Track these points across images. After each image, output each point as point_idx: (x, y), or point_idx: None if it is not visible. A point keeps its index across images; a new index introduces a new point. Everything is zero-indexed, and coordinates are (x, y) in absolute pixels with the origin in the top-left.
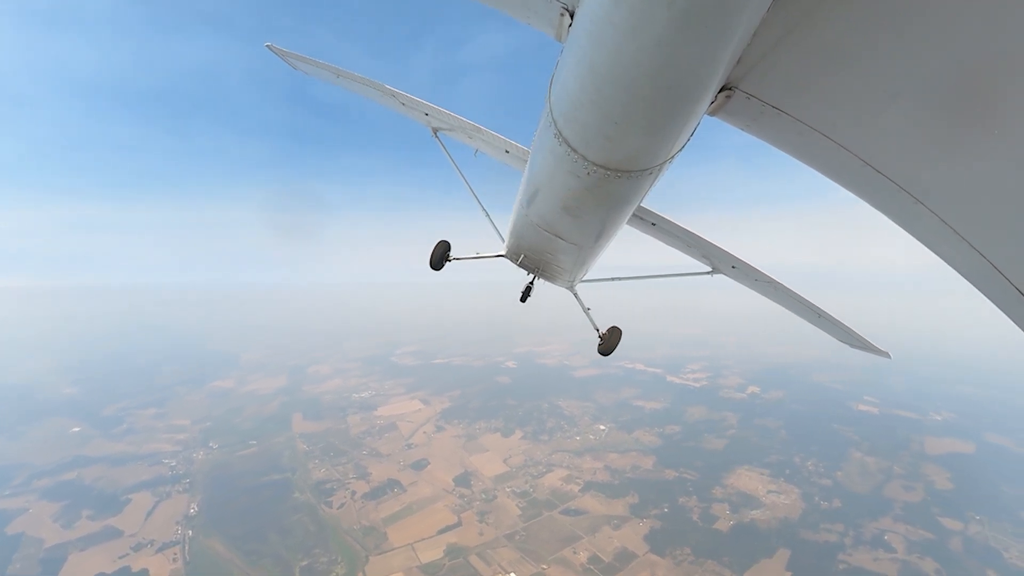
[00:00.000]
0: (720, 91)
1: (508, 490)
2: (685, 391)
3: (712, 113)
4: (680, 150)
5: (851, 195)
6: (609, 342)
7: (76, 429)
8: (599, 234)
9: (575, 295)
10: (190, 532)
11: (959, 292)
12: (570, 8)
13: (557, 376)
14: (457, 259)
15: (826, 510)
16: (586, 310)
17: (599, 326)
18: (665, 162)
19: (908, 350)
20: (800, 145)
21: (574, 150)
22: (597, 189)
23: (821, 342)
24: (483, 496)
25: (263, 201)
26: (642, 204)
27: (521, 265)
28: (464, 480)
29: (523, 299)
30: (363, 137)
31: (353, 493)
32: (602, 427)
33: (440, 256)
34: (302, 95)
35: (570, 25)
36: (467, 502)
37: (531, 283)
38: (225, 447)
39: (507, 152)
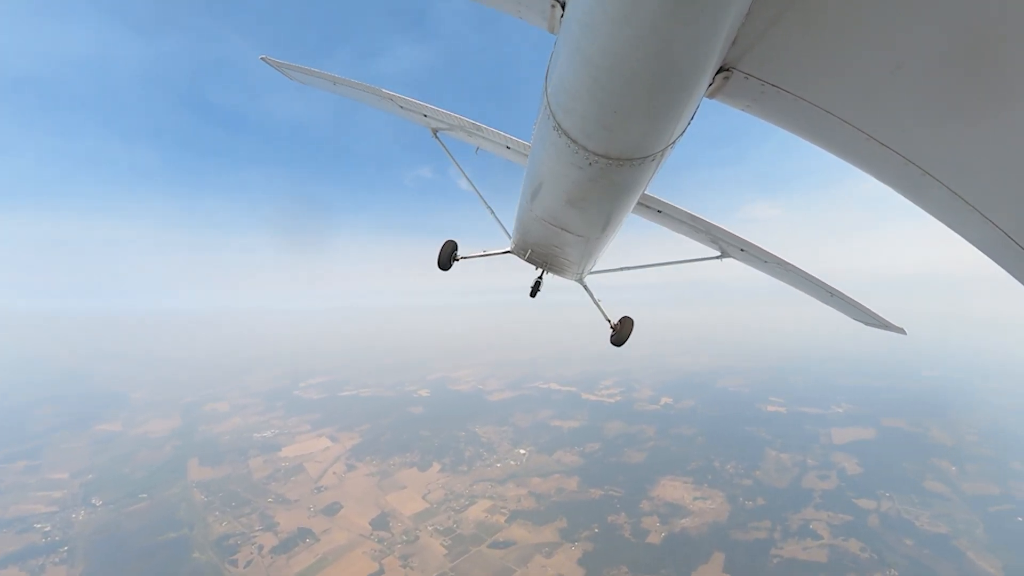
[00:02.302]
0: (718, 72)
1: (430, 528)
2: (601, 407)
3: (711, 95)
4: (681, 134)
5: (747, 214)
6: (621, 333)
7: None
8: (605, 224)
9: (584, 287)
10: None
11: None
12: None
13: (472, 402)
14: (464, 258)
15: (752, 509)
16: (596, 302)
17: (610, 317)
18: (667, 147)
19: (803, 351)
20: (803, 123)
21: (574, 141)
22: (600, 179)
23: (720, 350)
24: (404, 538)
25: (158, 217)
26: (646, 192)
27: (529, 260)
28: (382, 522)
29: (532, 294)
30: (265, 149)
31: (260, 548)
32: (522, 451)
33: (448, 256)
34: (202, 100)
35: (562, 16)
36: (387, 546)
37: (540, 278)
38: (111, 503)
39: (508, 148)
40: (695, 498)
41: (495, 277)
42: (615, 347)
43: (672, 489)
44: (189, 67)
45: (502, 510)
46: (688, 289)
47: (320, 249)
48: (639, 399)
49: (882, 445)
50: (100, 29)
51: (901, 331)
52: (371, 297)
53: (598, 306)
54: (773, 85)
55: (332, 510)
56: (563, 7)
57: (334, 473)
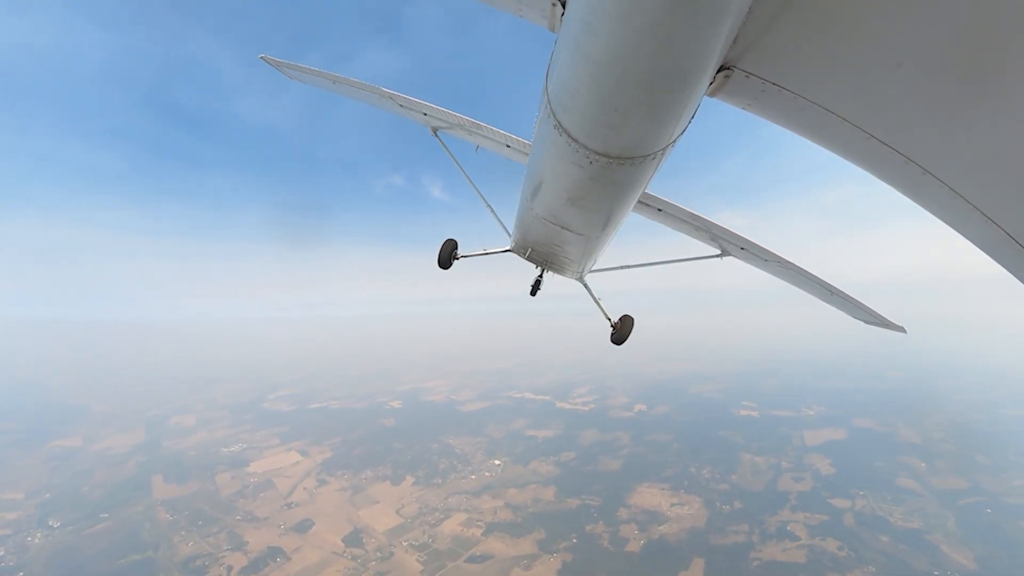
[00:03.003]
0: (719, 71)
1: (405, 544)
2: (575, 416)
3: (712, 94)
4: (682, 133)
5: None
6: (622, 331)
7: None
8: (605, 223)
9: (585, 285)
10: None
11: (803, 302)
12: None
13: (445, 413)
14: (465, 256)
15: (729, 513)
16: (597, 300)
17: (611, 315)
18: (667, 146)
19: (773, 356)
20: (803, 121)
21: (575, 140)
22: (601, 178)
23: (691, 356)
24: (378, 554)
25: (120, 221)
26: (647, 190)
27: (529, 259)
28: (355, 539)
29: (533, 293)
30: (232, 154)
31: (229, 568)
32: (497, 462)
33: (448, 255)
34: (169, 101)
35: (563, 14)
36: (362, 563)
37: (540, 276)
38: (70, 525)
39: (508, 146)
40: (672, 504)
41: (467, 285)
42: (615, 345)
43: (649, 496)
44: (156, 65)
45: (478, 523)
46: (656, 297)
47: (288, 257)
48: (613, 406)
49: (853, 445)
50: (58, 18)
51: (902, 329)
52: (341, 306)
53: (598, 304)
54: (774, 84)
55: (303, 527)
56: (563, 5)
57: (304, 489)
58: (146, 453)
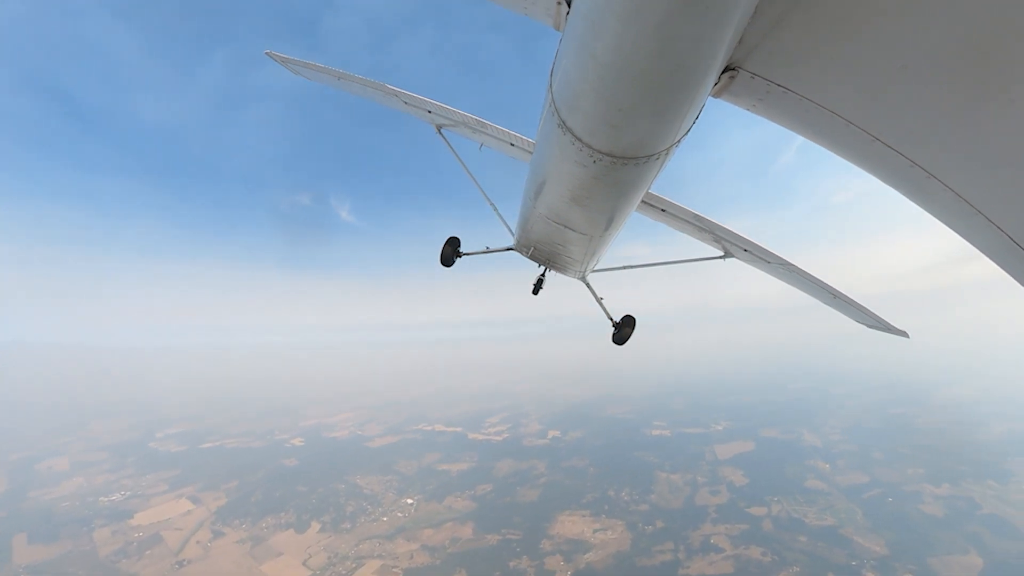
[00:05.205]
0: (724, 72)
1: None
2: (489, 446)
3: (717, 95)
4: (686, 134)
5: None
6: (623, 331)
7: None
8: (608, 223)
9: (587, 285)
10: None
11: (705, 325)
12: None
13: (351, 450)
14: (467, 254)
15: (652, 533)
16: (599, 300)
17: (613, 315)
18: (671, 146)
19: (678, 375)
20: (808, 123)
21: (579, 139)
22: (604, 177)
23: (604, 378)
24: None
25: None
26: (650, 191)
27: (531, 258)
28: None
29: (535, 292)
30: (123, 155)
31: None
32: (409, 501)
33: (450, 253)
34: (55, 85)
35: (568, 13)
36: None
37: (542, 275)
38: None
39: (512, 145)
40: (595, 530)
41: (373, 314)
42: (616, 345)
43: (571, 524)
44: (42, 39)
45: (394, 569)
46: (566, 321)
47: (183, 275)
48: (527, 434)
49: (762, 454)
50: None
51: (904, 334)
52: (236, 333)
53: (600, 304)
54: (779, 85)
55: None
56: (569, 4)
57: (198, 542)
58: (6, 506)
